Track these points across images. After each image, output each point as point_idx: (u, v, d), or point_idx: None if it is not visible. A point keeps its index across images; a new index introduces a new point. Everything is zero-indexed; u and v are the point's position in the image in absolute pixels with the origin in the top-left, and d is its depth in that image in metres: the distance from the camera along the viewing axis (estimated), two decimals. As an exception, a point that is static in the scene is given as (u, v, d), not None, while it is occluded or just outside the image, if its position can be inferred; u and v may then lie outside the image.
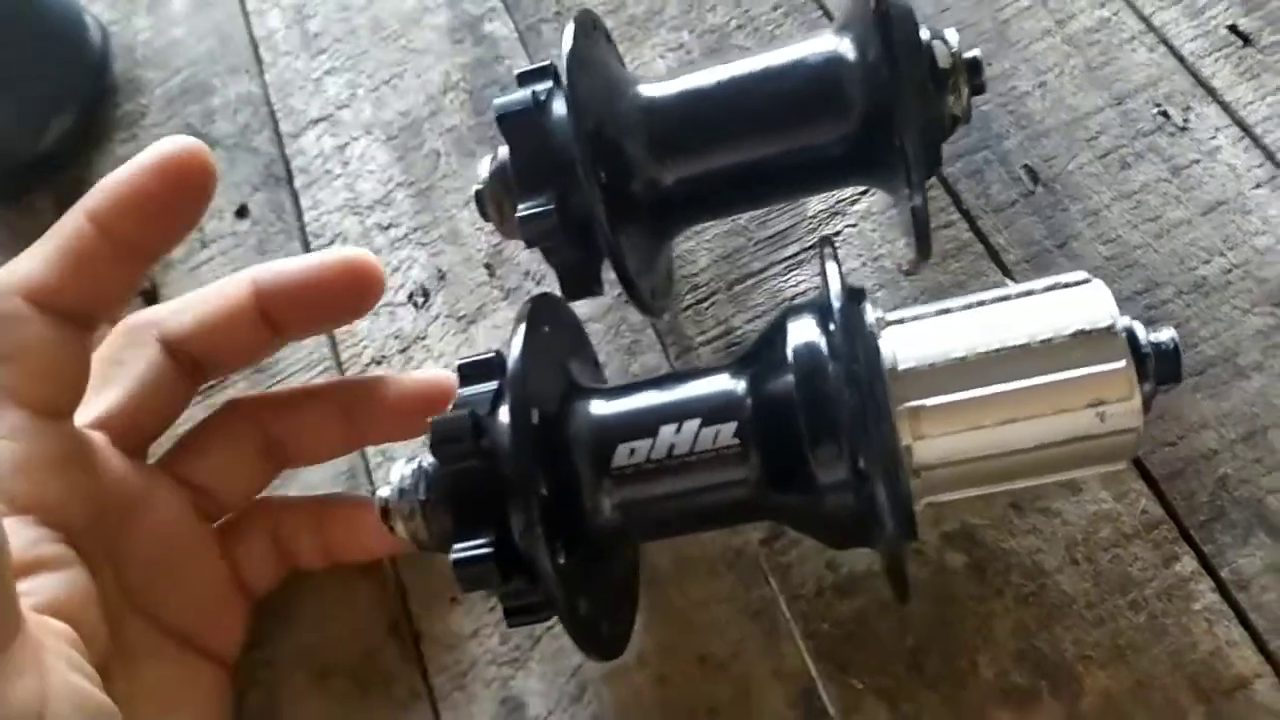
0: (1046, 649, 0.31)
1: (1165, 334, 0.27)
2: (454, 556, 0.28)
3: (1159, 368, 0.27)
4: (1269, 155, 0.35)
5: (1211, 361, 0.33)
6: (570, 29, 0.33)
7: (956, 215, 0.38)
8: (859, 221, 0.39)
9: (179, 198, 0.32)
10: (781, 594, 0.34)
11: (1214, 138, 0.36)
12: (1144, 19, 0.38)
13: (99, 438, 0.33)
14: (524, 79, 0.35)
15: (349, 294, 0.35)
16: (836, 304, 0.27)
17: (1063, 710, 0.30)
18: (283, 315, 0.35)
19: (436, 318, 0.43)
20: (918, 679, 0.32)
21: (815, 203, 0.39)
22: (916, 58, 0.31)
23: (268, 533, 0.36)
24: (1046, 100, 0.38)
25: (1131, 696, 0.30)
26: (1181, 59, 0.37)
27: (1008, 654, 0.31)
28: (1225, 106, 0.36)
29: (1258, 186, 0.35)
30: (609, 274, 0.34)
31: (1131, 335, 0.27)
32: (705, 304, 0.39)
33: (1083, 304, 0.27)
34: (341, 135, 0.49)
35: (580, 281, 0.35)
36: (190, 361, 0.35)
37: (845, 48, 0.32)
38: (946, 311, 0.29)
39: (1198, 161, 0.36)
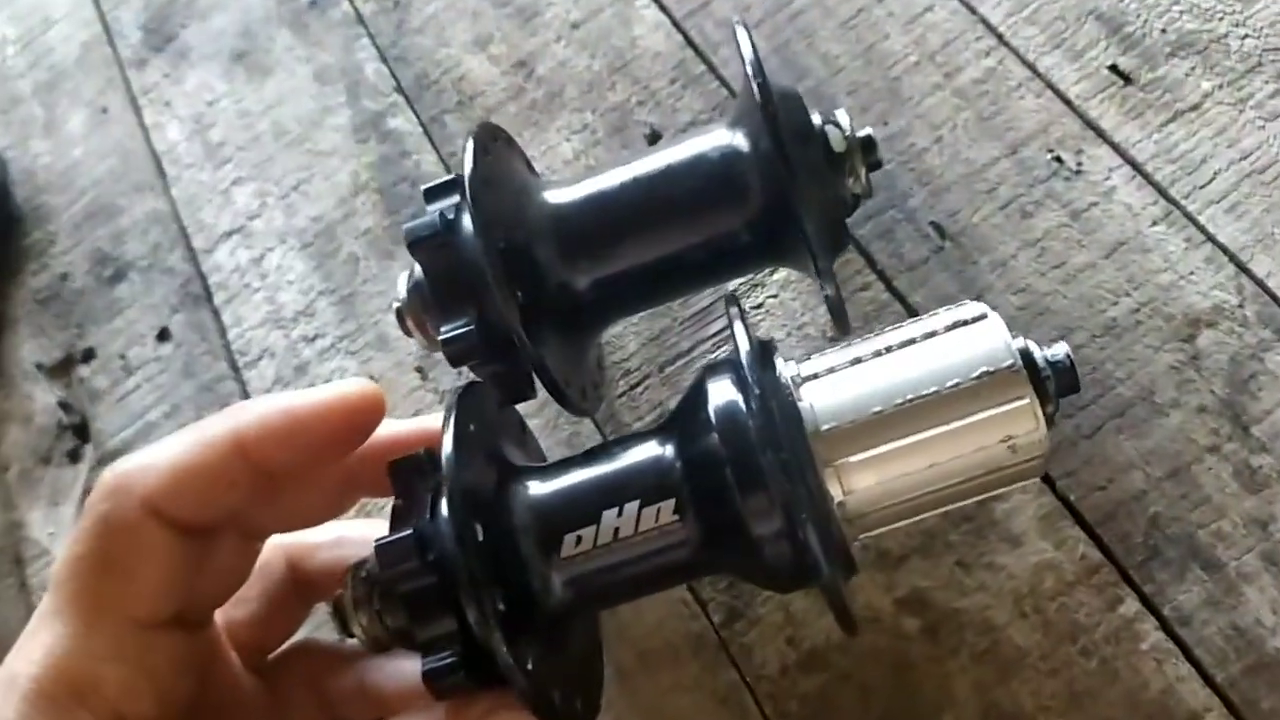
0: (1006, 703, 0.32)
1: (1059, 349, 0.29)
2: (425, 667, 0.29)
3: (1058, 383, 0.29)
4: (1161, 192, 0.36)
5: (1130, 402, 0.34)
6: (470, 147, 0.33)
7: (872, 276, 0.38)
8: (779, 291, 0.39)
9: (345, 439, 0.31)
10: (746, 676, 0.35)
11: (1108, 179, 0.37)
12: (1028, 65, 0.39)
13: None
14: (430, 195, 0.35)
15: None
16: (751, 374, 0.28)
17: (1029, 763, 0.31)
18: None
19: (373, 429, 0.42)
20: (887, 749, 0.32)
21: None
22: (809, 146, 0.32)
23: (311, 684, 0.35)
24: (944, 155, 0.39)
25: (1092, 742, 0.31)
26: (1069, 102, 0.38)
27: (970, 713, 0.32)
28: (1115, 146, 0.37)
29: (1154, 224, 0.36)
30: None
31: (1029, 358, 0.28)
32: (639, 388, 0.40)
33: (982, 342, 0.29)
34: (256, 247, 0.49)
35: (513, 389, 0.36)
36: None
37: (739, 141, 0.33)
38: (858, 361, 0.30)
39: (1095, 204, 0.37)
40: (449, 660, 0.29)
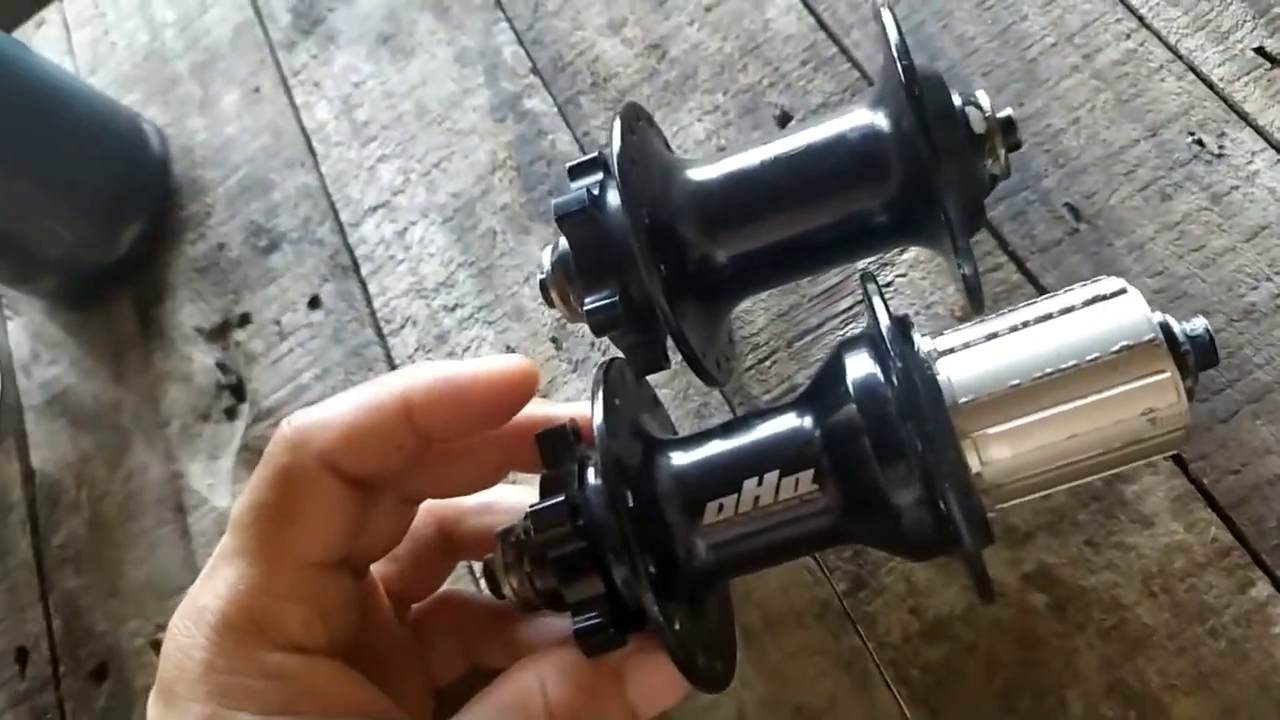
0: (1133, 681, 0.33)
1: (1198, 324, 0.29)
2: (576, 627, 0.31)
3: (1197, 358, 0.29)
4: (1307, 176, 0.36)
5: (1269, 387, 0.34)
6: (617, 126, 0.35)
7: (1004, 257, 0.39)
8: (908, 270, 0.40)
9: (501, 410, 0.33)
10: (869, 643, 0.36)
11: (1250, 162, 0.36)
12: (1170, 47, 0.39)
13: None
14: (575, 172, 0.37)
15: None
16: (892, 347, 0.29)
17: (1153, 739, 0.32)
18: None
19: (510, 395, 0.45)
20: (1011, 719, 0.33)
21: (864, 256, 0.41)
22: (951, 128, 0.32)
23: (454, 631, 0.37)
24: (1081, 136, 0.39)
25: (1220, 722, 0.31)
26: (1211, 85, 0.38)
27: (1095, 688, 0.33)
28: (1259, 130, 0.37)
29: (1298, 209, 0.35)
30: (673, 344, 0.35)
31: (1169, 333, 0.29)
32: (767, 363, 0.41)
33: (1122, 316, 0.29)
34: (400, 221, 0.51)
35: (648, 360, 0.37)
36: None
37: (881, 121, 0.34)
38: (994, 336, 0.30)
39: (1237, 188, 0.36)
40: (598, 620, 0.31)
